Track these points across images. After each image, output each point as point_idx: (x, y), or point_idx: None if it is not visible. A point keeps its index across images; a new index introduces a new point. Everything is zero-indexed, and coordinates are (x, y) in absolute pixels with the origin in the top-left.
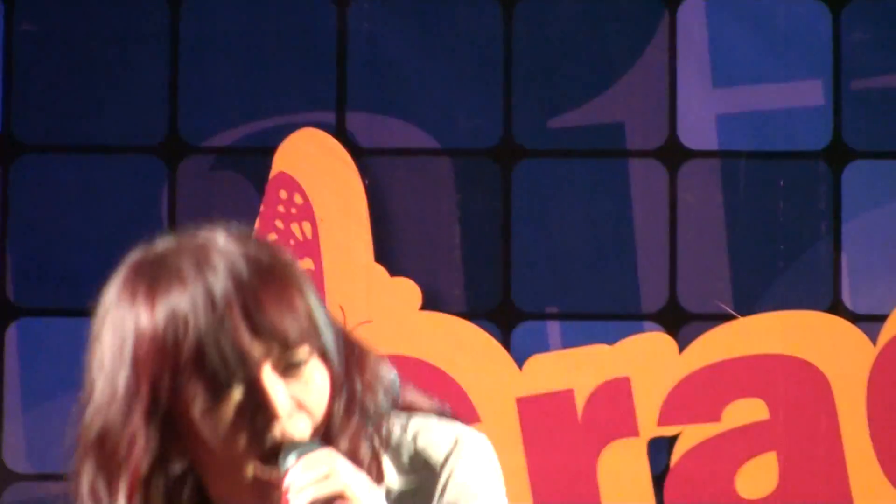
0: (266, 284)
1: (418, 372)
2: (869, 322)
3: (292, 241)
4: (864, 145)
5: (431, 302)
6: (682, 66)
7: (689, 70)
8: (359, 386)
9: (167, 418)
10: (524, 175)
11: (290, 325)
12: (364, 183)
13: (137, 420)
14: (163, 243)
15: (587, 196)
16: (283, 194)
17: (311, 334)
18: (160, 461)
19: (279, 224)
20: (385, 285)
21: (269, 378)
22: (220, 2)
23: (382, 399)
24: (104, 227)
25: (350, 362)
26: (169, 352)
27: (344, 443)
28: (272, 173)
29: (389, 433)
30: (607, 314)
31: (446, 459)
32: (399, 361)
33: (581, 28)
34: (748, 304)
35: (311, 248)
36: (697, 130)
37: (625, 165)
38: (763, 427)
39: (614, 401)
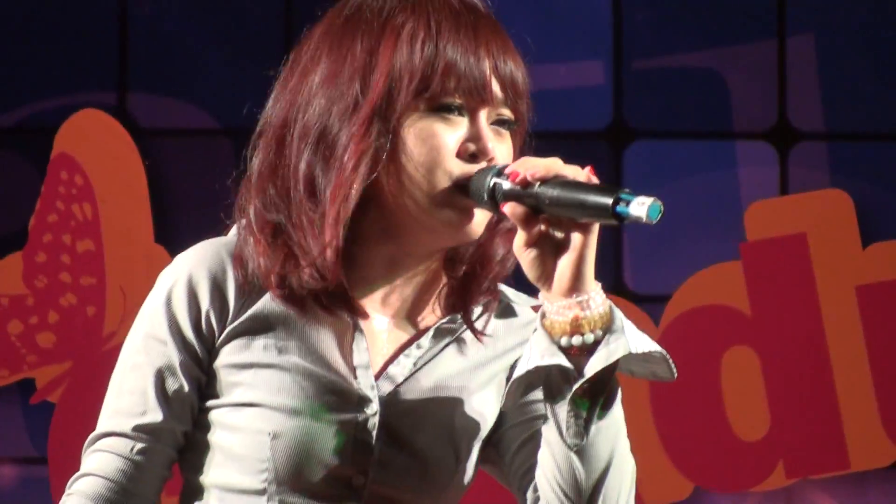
0: (508, 41)
1: None
2: (651, 303)
3: (73, 222)
4: (645, 125)
5: None
6: None
7: None
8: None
9: (387, 125)
10: None
11: (521, 81)
12: (144, 164)
13: (363, 117)
14: None
15: None
16: (64, 175)
17: (524, 103)
18: (370, 165)
19: (60, 205)
20: (165, 266)
21: (485, 121)
22: None
23: None
24: None
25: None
26: (420, 61)
27: None
28: (53, 154)
29: None
30: None
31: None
32: None
33: None
34: (531, 286)
35: (91, 228)
36: None
37: None
38: None
39: None
